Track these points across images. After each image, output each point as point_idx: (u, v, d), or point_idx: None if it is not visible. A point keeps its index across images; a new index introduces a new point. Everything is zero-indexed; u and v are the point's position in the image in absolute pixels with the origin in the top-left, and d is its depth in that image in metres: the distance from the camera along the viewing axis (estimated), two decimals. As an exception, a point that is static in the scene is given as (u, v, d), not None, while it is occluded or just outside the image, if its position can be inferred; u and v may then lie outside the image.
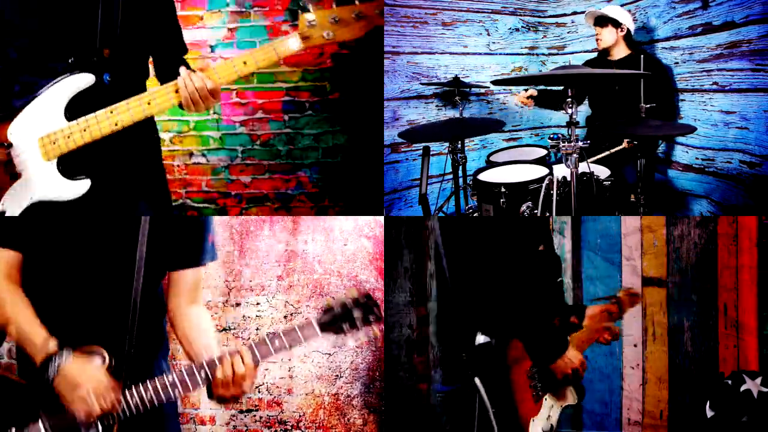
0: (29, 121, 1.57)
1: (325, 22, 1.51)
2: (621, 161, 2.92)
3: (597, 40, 3.21)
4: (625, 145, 2.85)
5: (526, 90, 3.43)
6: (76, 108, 1.56)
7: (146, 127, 1.71)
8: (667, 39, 3.19)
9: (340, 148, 3.22)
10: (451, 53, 3.72)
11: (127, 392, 1.41)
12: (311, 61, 3.17)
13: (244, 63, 1.56)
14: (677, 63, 3.13)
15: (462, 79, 3.28)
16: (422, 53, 3.59)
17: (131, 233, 1.43)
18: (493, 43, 3.94)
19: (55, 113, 1.56)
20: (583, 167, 2.39)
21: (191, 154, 3.25)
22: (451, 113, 3.71)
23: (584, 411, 2.74)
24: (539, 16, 4.17)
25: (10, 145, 1.58)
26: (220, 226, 2.67)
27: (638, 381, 2.70)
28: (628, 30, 3.13)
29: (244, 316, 2.67)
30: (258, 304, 2.68)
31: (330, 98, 3.18)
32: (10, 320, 1.43)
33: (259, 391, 2.66)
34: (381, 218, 2.67)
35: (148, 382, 1.43)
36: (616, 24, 3.10)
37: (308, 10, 1.52)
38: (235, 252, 2.68)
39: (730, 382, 2.40)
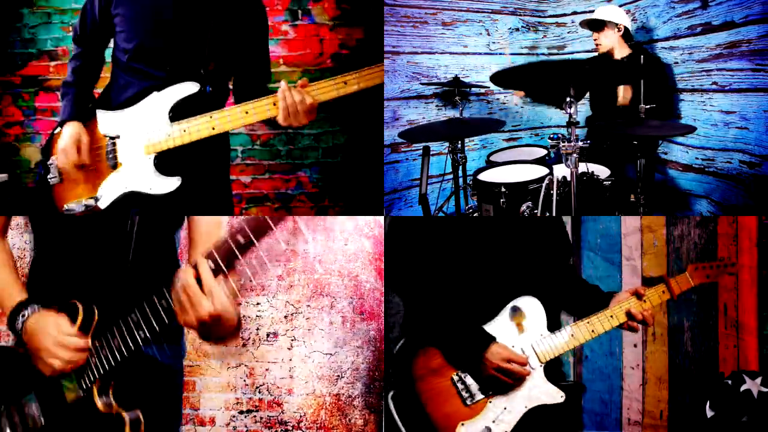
0: (137, 119, 1.71)
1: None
2: (621, 161, 2.92)
3: (596, 45, 3.20)
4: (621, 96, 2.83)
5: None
6: (179, 111, 1.69)
7: (224, 138, 1.86)
8: (667, 39, 3.19)
9: (340, 148, 3.22)
10: (451, 53, 3.72)
11: (98, 342, 1.31)
12: (311, 61, 3.17)
13: (345, 83, 1.63)
14: (677, 63, 3.13)
15: (462, 79, 3.28)
16: (422, 53, 3.59)
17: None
18: (493, 43, 3.94)
19: (161, 114, 1.69)
20: (583, 167, 2.39)
21: (191, 154, 3.25)
22: (451, 113, 3.71)
23: (584, 411, 2.74)
24: (539, 16, 4.17)
25: (118, 136, 1.73)
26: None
27: (638, 381, 2.70)
28: (626, 27, 3.12)
29: (244, 316, 2.67)
30: (258, 304, 2.68)
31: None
32: None
33: (259, 392, 2.67)
34: (381, 218, 2.67)
35: (113, 328, 1.30)
36: (612, 25, 3.10)
37: None
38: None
39: (730, 382, 2.40)
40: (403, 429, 1.56)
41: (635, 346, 2.70)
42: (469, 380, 1.61)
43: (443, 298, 1.66)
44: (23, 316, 1.36)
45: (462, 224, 1.86)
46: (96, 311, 1.33)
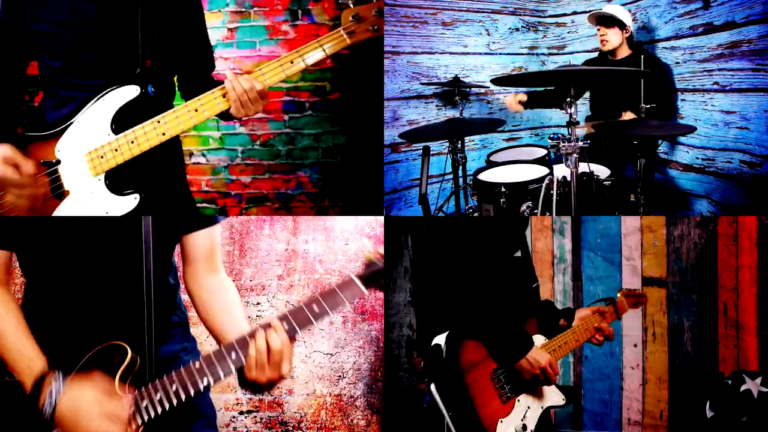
0: (76, 137, 1.52)
1: (368, 14, 1.52)
2: (621, 160, 2.92)
3: (603, 41, 3.15)
4: (627, 116, 2.85)
5: (516, 95, 3.42)
6: (122, 121, 1.52)
7: (173, 140, 1.65)
8: (668, 39, 3.19)
9: (340, 148, 3.22)
10: (451, 53, 3.72)
11: (146, 391, 1.24)
12: (311, 61, 3.17)
13: (291, 62, 1.54)
14: (678, 63, 3.13)
15: (462, 79, 3.28)
16: (422, 53, 3.59)
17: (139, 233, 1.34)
18: (493, 43, 3.94)
19: (102, 127, 1.52)
20: (583, 167, 2.39)
21: (191, 154, 3.25)
22: (451, 113, 3.71)
23: (584, 411, 2.74)
24: (539, 16, 4.17)
25: (58, 162, 1.53)
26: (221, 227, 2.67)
27: (638, 381, 2.70)
28: (631, 32, 3.13)
29: (244, 317, 2.67)
30: (258, 303, 2.67)
31: (330, 98, 3.18)
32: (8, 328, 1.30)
33: (259, 392, 2.67)
34: (381, 218, 2.67)
35: (172, 373, 1.24)
36: (622, 26, 3.09)
37: (348, 6, 1.52)
38: (236, 252, 2.68)
39: (730, 382, 2.40)
40: (449, 420, 1.56)
41: (635, 346, 2.70)
42: (504, 377, 1.66)
43: (486, 295, 1.69)
44: (51, 395, 1.21)
45: (483, 223, 1.91)
46: (138, 359, 1.27)
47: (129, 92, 1.53)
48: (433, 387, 1.58)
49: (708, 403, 2.41)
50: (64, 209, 1.53)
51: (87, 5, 1.53)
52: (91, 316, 1.40)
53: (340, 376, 2.65)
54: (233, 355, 1.23)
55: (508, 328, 1.66)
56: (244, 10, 3.15)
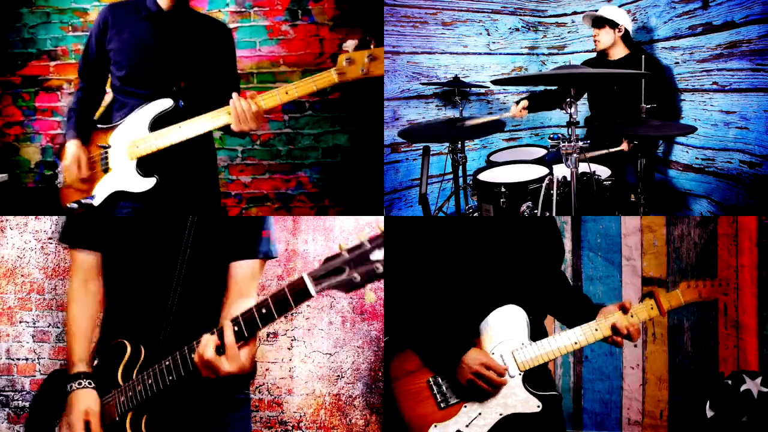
0: (124, 131, 2.07)
1: (361, 59, 1.84)
2: (621, 161, 2.92)
3: (595, 41, 3.20)
4: (624, 146, 2.84)
5: (518, 103, 3.39)
6: (157, 124, 2.03)
7: (206, 143, 2.21)
8: (667, 39, 3.19)
9: (340, 148, 3.22)
10: (451, 53, 3.72)
11: (140, 377, 1.47)
12: (311, 61, 3.17)
13: (286, 93, 1.91)
14: (677, 63, 3.13)
15: (462, 79, 3.28)
16: (422, 53, 3.59)
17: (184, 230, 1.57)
18: (493, 43, 3.94)
19: (142, 126, 2.04)
20: (583, 167, 2.39)
21: (191, 154, 3.25)
22: (451, 113, 3.71)
23: (584, 411, 2.74)
24: (539, 16, 4.17)
25: (109, 146, 2.08)
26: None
27: (638, 381, 2.70)
28: (626, 30, 3.12)
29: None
30: (258, 304, 2.67)
31: (330, 98, 3.18)
32: (68, 324, 1.61)
33: (259, 392, 2.66)
34: (381, 218, 2.67)
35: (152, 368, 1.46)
36: (613, 25, 3.10)
37: (347, 51, 1.87)
38: (236, 252, 2.68)
39: (730, 382, 2.40)
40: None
41: (635, 346, 2.70)
42: (445, 384, 1.63)
43: (426, 299, 1.66)
44: (79, 384, 1.52)
45: (453, 225, 1.85)
46: (143, 351, 1.49)
47: (164, 104, 2.04)
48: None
49: (708, 403, 2.41)
50: (106, 180, 2.09)
51: (145, 33, 2.07)
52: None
53: (339, 375, 2.65)
54: (193, 357, 1.37)
55: (441, 332, 1.62)
56: (244, 10, 3.15)
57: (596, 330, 1.67)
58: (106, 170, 2.10)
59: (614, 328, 1.67)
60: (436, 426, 1.60)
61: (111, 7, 2.15)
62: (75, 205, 2.10)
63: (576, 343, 1.67)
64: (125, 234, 1.62)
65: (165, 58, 2.08)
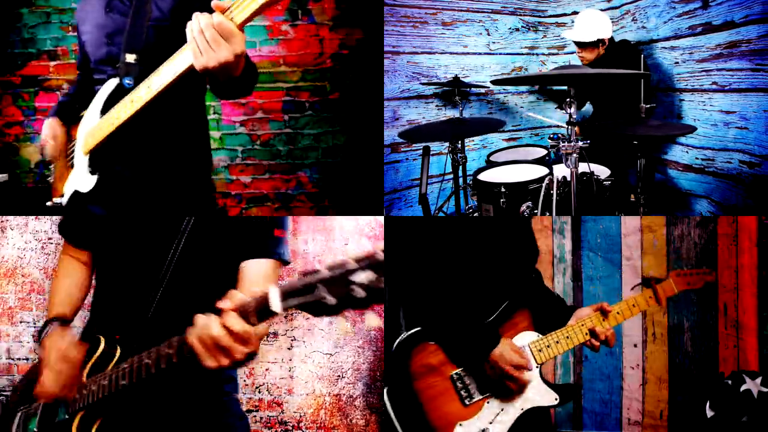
0: (84, 122, 1.77)
1: None
2: (624, 165, 2.93)
3: (579, 57, 3.21)
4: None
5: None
6: (108, 108, 1.67)
7: (185, 127, 1.80)
8: (667, 39, 3.19)
9: (340, 148, 3.22)
10: (451, 53, 3.72)
11: (99, 380, 1.32)
12: (311, 61, 3.17)
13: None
14: (677, 63, 3.13)
15: (462, 79, 3.28)
16: (422, 53, 3.59)
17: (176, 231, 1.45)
18: (493, 43, 3.94)
19: (95, 114, 1.71)
20: (583, 167, 2.39)
21: (191, 154, 3.25)
22: (451, 113, 3.71)
23: (584, 411, 2.74)
24: (539, 16, 4.17)
25: (76, 140, 1.81)
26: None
27: (638, 381, 2.70)
28: (610, 39, 3.11)
29: (244, 317, 2.68)
30: (258, 304, 2.67)
31: (330, 98, 3.18)
32: (51, 287, 1.60)
33: (259, 392, 2.66)
34: (381, 218, 2.67)
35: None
36: (597, 44, 3.10)
37: None
38: (236, 252, 2.68)
39: (730, 382, 2.40)
40: (398, 426, 1.55)
41: (635, 346, 2.70)
42: (469, 379, 1.59)
43: (448, 295, 1.63)
44: (45, 333, 1.46)
45: (457, 224, 1.85)
46: (118, 350, 1.36)
47: (109, 85, 1.69)
48: (385, 391, 1.56)
49: (708, 403, 2.41)
50: (71, 179, 1.83)
51: (99, 11, 1.77)
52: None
53: (339, 375, 2.65)
54: (184, 348, 1.17)
55: (470, 326, 1.58)
56: (244, 10, 3.15)
57: (568, 338, 1.67)
58: (72, 166, 1.84)
59: (592, 332, 1.66)
60: (461, 425, 1.56)
61: None
62: (57, 202, 1.91)
63: (587, 335, 1.67)
64: (108, 233, 1.53)
65: (115, 31, 1.73)
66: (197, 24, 1.26)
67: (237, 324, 1.08)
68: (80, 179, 1.74)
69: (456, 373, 1.60)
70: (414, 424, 1.54)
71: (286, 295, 1.02)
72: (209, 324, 1.10)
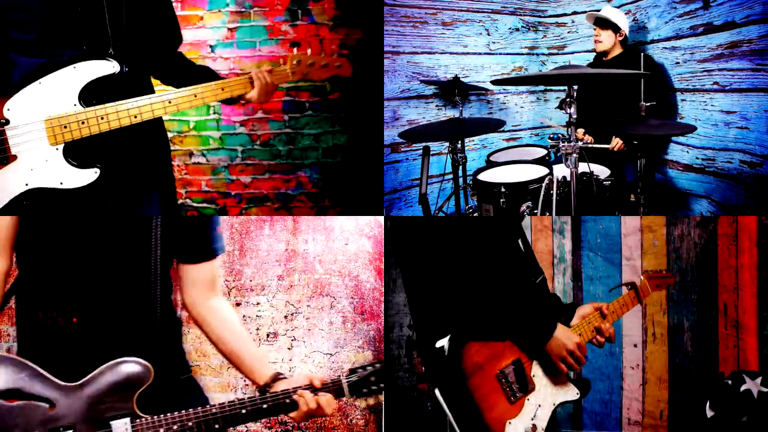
0: (34, 100, 1.44)
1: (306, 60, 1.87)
2: (622, 162, 2.92)
3: (596, 41, 3.21)
4: (615, 144, 2.84)
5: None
6: (90, 94, 1.47)
7: (155, 122, 1.64)
8: (668, 39, 3.19)
9: (340, 148, 3.22)
10: (451, 53, 3.72)
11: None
12: (311, 61, 3.17)
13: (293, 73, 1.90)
14: (678, 63, 3.13)
15: (462, 79, 3.28)
16: (422, 53, 3.59)
17: (139, 228, 1.37)
18: (493, 43, 3.94)
19: (68, 97, 1.44)
20: (583, 167, 2.39)
21: (191, 154, 3.25)
22: (451, 113, 3.71)
23: (584, 411, 2.74)
24: (539, 16, 4.17)
25: (7, 122, 1.44)
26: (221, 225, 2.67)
27: (638, 381, 2.70)
28: (626, 35, 3.15)
29: (244, 316, 2.67)
30: (258, 303, 2.68)
31: (330, 98, 3.18)
32: None
33: (259, 391, 2.67)
34: (381, 218, 2.67)
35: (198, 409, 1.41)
36: (616, 29, 3.11)
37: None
38: (236, 252, 2.68)
39: (730, 382, 2.40)
40: (455, 425, 1.55)
41: (635, 346, 2.70)
42: (511, 377, 1.62)
43: (482, 290, 1.64)
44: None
45: (477, 223, 1.86)
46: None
47: (105, 67, 1.48)
48: (437, 392, 1.55)
49: (708, 403, 2.41)
50: (6, 176, 1.42)
51: None
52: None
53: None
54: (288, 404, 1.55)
55: (529, 311, 1.61)
56: (244, 10, 3.15)
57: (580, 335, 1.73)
58: (5, 160, 1.45)
59: (598, 330, 1.75)
60: (510, 423, 1.58)
61: None
62: None
63: (593, 332, 1.74)
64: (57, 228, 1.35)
65: (87, 10, 1.51)
66: (264, 77, 1.85)
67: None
68: (49, 174, 1.45)
69: (501, 371, 1.62)
70: (470, 422, 1.55)
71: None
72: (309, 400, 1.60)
